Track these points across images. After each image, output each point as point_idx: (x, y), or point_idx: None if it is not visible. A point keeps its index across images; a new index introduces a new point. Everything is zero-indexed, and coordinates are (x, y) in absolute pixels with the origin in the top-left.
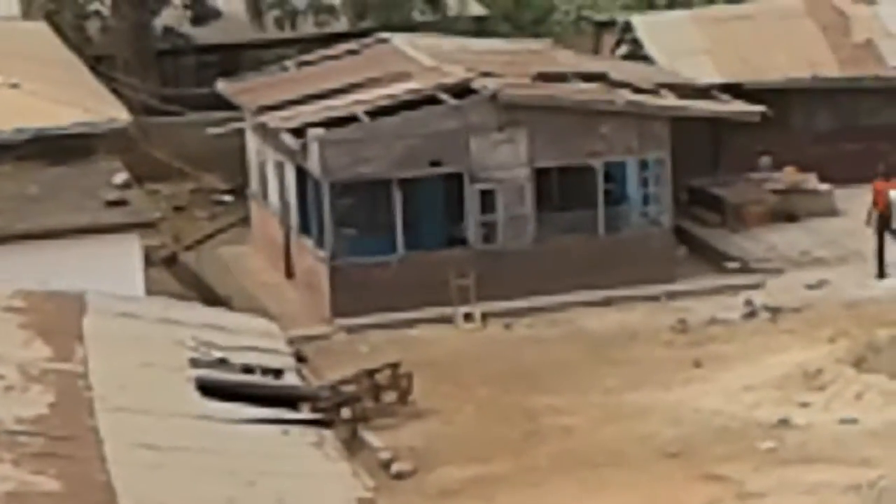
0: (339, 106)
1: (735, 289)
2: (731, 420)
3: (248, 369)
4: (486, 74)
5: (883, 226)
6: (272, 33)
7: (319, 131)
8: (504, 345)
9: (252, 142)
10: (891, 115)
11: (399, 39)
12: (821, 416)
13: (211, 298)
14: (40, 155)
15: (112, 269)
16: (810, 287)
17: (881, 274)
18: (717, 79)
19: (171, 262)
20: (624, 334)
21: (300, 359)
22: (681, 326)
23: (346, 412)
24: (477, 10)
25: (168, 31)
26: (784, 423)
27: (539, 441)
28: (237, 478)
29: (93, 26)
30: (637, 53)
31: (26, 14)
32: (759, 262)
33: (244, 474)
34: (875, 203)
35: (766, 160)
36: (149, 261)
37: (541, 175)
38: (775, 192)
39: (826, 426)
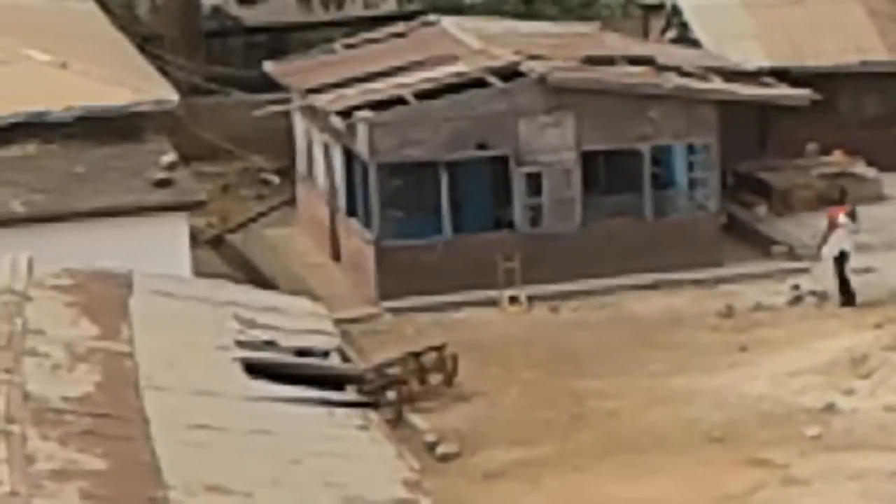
0: (386, 88)
1: (781, 274)
2: (777, 405)
3: (293, 350)
4: (534, 57)
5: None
6: (320, 15)
7: (367, 113)
8: (550, 328)
9: (299, 123)
10: None
11: (447, 22)
12: (866, 402)
13: (257, 279)
14: (88, 134)
15: (159, 250)
16: (856, 272)
17: (848, 300)
18: (766, 63)
19: (217, 242)
20: (670, 318)
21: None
22: (727, 311)
23: (391, 394)
24: None
25: (216, 11)
26: (830, 408)
27: (584, 424)
28: (282, 458)
29: (141, 6)
30: (685, 37)
31: None
32: (805, 247)
33: (289, 455)
34: (831, 228)
35: (813, 145)
36: (195, 241)
37: (588, 158)
38: (823, 177)
39: (872, 412)
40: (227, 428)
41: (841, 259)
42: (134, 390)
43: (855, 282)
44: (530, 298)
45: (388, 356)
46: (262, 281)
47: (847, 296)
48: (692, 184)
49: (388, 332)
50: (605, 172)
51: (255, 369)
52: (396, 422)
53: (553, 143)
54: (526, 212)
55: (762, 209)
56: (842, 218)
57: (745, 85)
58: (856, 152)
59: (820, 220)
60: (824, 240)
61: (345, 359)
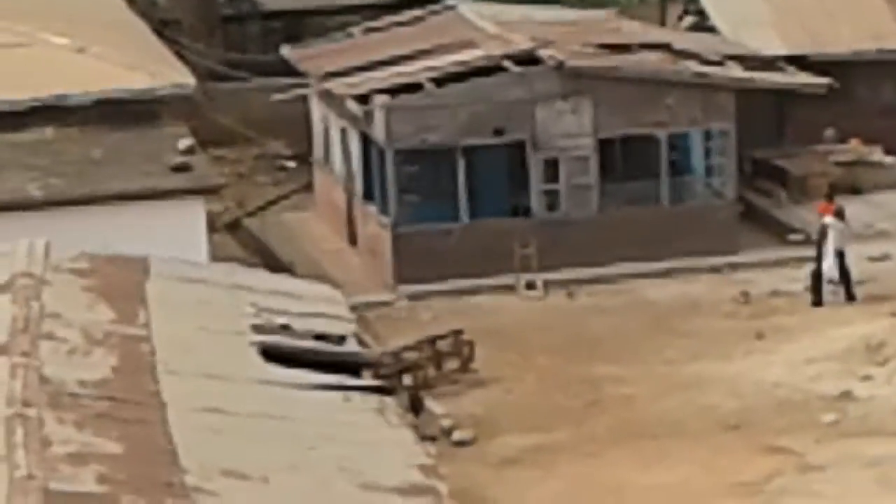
0: (403, 73)
1: (798, 261)
2: (793, 392)
3: (310, 335)
4: (552, 43)
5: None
6: (337, 0)
7: (384, 98)
8: (566, 314)
9: (317, 108)
10: None
11: (464, 7)
12: (883, 390)
13: (274, 264)
14: (105, 119)
15: (176, 234)
16: (873, 260)
17: (850, 296)
18: (782, 50)
19: (234, 227)
20: (686, 305)
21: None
22: (743, 298)
23: (407, 379)
24: None
25: None
26: (846, 395)
27: (600, 411)
28: (299, 443)
29: None
30: (702, 24)
31: None
32: None
33: (306, 440)
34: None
35: (830, 132)
36: (212, 226)
37: (605, 145)
38: (839, 164)
39: (888, 399)
40: (243, 412)
41: (840, 258)
42: (150, 374)
43: (873, 269)
44: (546, 284)
45: (404, 341)
46: (278, 266)
47: (848, 292)
48: (709, 170)
49: (405, 317)
50: (621, 159)
51: (271, 354)
52: (415, 408)
53: (570, 129)
54: (543, 198)
55: (783, 194)
56: (828, 219)
57: (762, 72)
58: (873, 140)
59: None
60: (820, 245)
61: (362, 344)
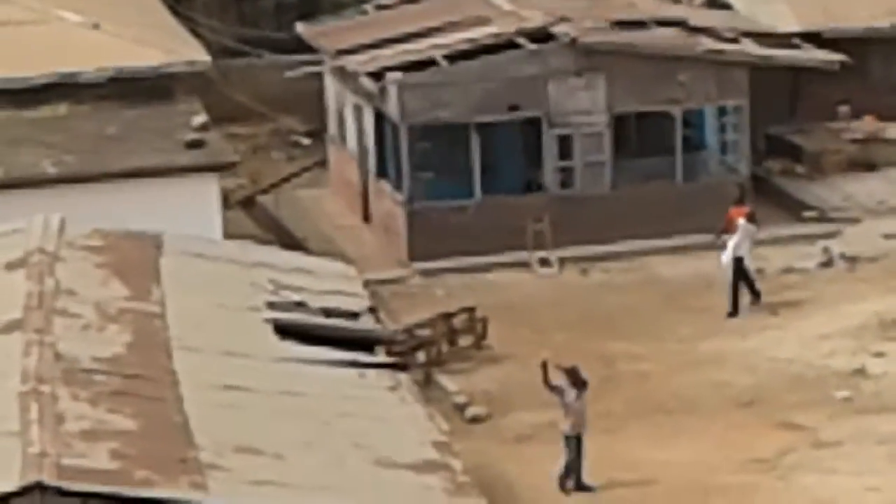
0: (417, 50)
1: (812, 237)
2: (807, 369)
3: (324, 312)
4: (565, 20)
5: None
6: None
7: (398, 75)
8: (580, 290)
9: (331, 85)
10: None
11: None
12: None
13: (288, 241)
14: (119, 95)
15: (190, 211)
16: (887, 236)
17: (734, 311)
18: (797, 27)
19: (248, 204)
20: (700, 282)
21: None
22: (757, 274)
23: (421, 356)
24: None
25: None
26: (860, 372)
27: (614, 387)
28: (313, 419)
29: None
30: (717, 0)
31: None
32: (836, 210)
33: (320, 416)
34: (726, 231)
35: (844, 109)
36: (226, 203)
37: (619, 121)
38: (854, 141)
39: None
40: (257, 389)
41: (738, 263)
42: (164, 351)
43: (887, 246)
44: (560, 261)
45: (417, 318)
46: (292, 242)
47: (754, 293)
48: (723, 147)
49: (419, 293)
50: (635, 135)
51: (285, 330)
52: (426, 383)
53: (584, 105)
54: (556, 174)
55: (845, 108)
56: (741, 221)
57: (775, 48)
58: (887, 116)
59: (850, 184)
60: (720, 236)
61: (376, 320)
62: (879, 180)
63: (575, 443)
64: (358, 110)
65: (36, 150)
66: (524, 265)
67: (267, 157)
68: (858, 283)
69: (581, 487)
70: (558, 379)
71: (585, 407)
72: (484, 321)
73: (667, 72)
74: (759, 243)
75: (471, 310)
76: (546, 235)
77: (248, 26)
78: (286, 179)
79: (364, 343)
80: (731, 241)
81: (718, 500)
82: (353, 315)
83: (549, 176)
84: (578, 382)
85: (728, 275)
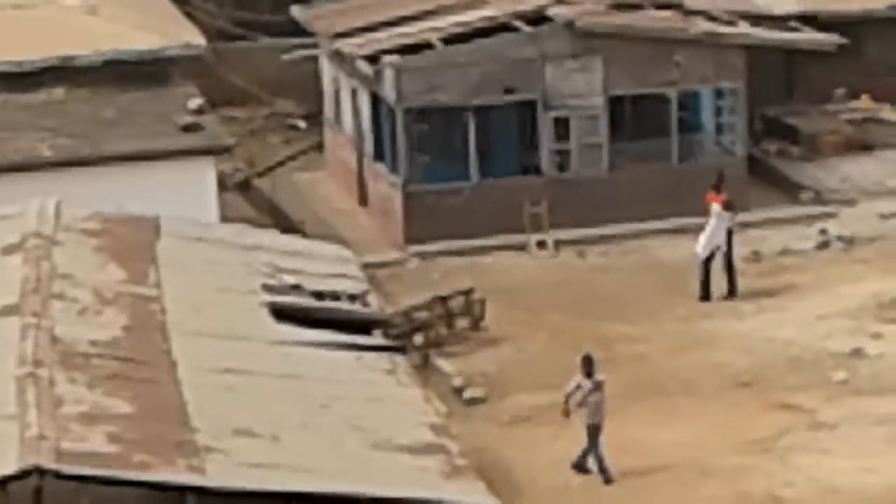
0: (414, 33)
1: (809, 219)
2: (804, 350)
3: (321, 294)
4: (562, 2)
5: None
6: None
7: (394, 58)
8: (577, 272)
9: (327, 68)
10: None
11: None
12: (894, 347)
13: (285, 224)
14: (116, 79)
15: (187, 194)
16: (884, 217)
17: (705, 295)
18: (793, 8)
19: (245, 187)
20: (697, 263)
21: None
22: (754, 256)
23: (418, 338)
24: None
25: None
26: (857, 353)
27: (612, 369)
28: (310, 402)
29: None
30: None
31: None
32: (832, 192)
33: (317, 399)
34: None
35: (840, 90)
36: (223, 186)
37: (615, 103)
38: (850, 122)
39: None
40: (254, 372)
41: (710, 258)
42: (161, 334)
43: (884, 227)
44: (557, 243)
45: (414, 300)
46: (289, 226)
47: (732, 285)
48: (719, 129)
49: (415, 276)
50: (632, 117)
51: (282, 313)
52: (423, 366)
53: (580, 87)
54: (553, 156)
55: (841, 90)
56: (715, 207)
57: (772, 29)
58: (883, 97)
59: (847, 165)
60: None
61: (372, 303)
62: (876, 161)
63: (591, 432)
64: (354, 93)
65: (33, 133)
66: (521, 248)
67: (263, 140)
68: (855, 265)
69: (602, 471)
70: (575, 376)
71: (603, 398)
72: (481, 303)
73: (663, 54)
74: (756, 225)
75: (468, 292)
76: (543, 218)
77: (244, 9)
78: (282, 163)
79: (361, 326)
80: (706, 229)
81: (716, 481)
82: (350, 297)
83: (546, 158)
84: (592, 372)
85: (700, 260)
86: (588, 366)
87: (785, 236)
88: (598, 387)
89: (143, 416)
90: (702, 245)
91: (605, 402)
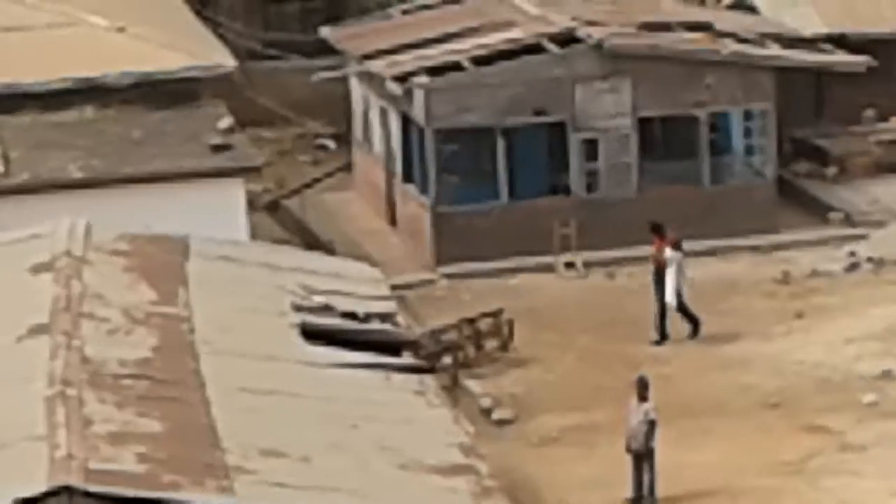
0: (443, 54)
1: (838, 240)
2: (833, 372)
3: (351, 315)
4: (591, 23)
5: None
6: None
7: (424, 79)
8: (606, 293)
9: (356, 88)
10: None
11: None
12: None
13: (314, 244)
14: (145, 99)
15: (216, 214)
16: None
17: (662, 336)
18: (822, 29)
19: (274, 207)
20: (726, 285)
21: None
22: (783, 278)
23: (447, 359)
24: None
25: None
26: (886, 375)
27: None
28: (339, 422)
29: None
30: (742, 3)
31: None
32: (862, 214)
33: (346, 419)
34: (659, 265)
35: (870, 112)
36: (252, 206)
37: (644, 124)
38: (880, 143)
39: None
40: (283, 392)
41: (679, 295)
42: (191, 354)
43: None
44: (586, 264)
45: (443, 321)
46: (318, 246)
47: (694, 324)
48: (748, 150)
49: (444, 297)
50: (661, 138)
51: (311, 333)
52: (452, 387)
53: (609, 108)
54: (582, 177)
55: (871, 111)
56: (668, 252)
57: (801, 51)
58: None
59: (876, 187)
60: (659, 276)
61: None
62: None
63: (631, 458)
64: (384, 114)
65: (62, 153)
66: (550, 269)
67: (293, 160)
68: (885, 287)
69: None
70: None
71: (639, 419)
72: (510, 324)
73: (692, 75)
74: (785, 247)
75: (496, 313)
76: (572, 239)
77: (273, 30)
78: (312, 183)
79: (390, 346)
80: (669, 277)
81: (745, 503)
82: (380, 318)
83: (575, 179)
84: (646, 396)
85: (675, 302)
86: (640, 389)
87: (814, 258)
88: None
89: (173, 436)
90: (670, 293)
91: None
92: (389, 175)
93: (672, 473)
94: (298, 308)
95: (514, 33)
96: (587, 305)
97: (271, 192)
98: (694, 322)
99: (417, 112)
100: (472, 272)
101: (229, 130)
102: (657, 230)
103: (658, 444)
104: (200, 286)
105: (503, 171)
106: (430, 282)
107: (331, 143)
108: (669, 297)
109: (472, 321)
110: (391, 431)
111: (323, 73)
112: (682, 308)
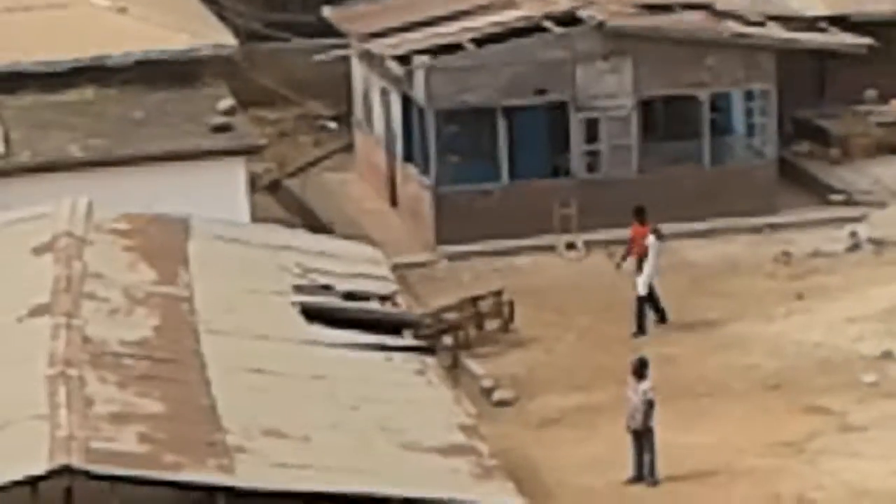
0: (445, 33)
1: (839, 221)
2: (834, 352)
3: (351, 295)
4: (592, 3)
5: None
6: None
7: (425, 59)
8: (606, 274)
9: (357, 69)
10: None
11: None
12: None
13: (315, 225)
14: (146, 79)
15: (217, 195)
16: None
17: (640, 329)
18: (824, 10)
19: (275, 187)
20: (726, 265)
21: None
22: (784, 258)
23: (448, 339)
24: None
25: None
26: (887, 355)
27: None
28: (340, 402)
29: None
30: None
31: None
32: (863, 194)
33: (347, 399)
34: (630, 253)
35: (871, 92)
36: (253, 187)
37: (646, 105)
38: (881, 124)
39: None
40: (284, 372)
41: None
42: (192, 334)
43: None
44: (587, 244)
45: (444, 302)
46: (319, 226)
47: (661, 314)
48: (750, 131)
49: (445, 277)
50: (662, 119)
51: (312, 314)
52: (453, 367)
53: (611, 89)
54: (583, 158)
55: (872, 92)
56: (650, 239)
57: (803, 31)
58: None
59: (877, 167)
60: (625, 260)
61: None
62: None
63: (631, 437)
64: (385, 94)
65: (63, 133)
66: (551, 249)
67: (294, 141)
68: (886, 267)
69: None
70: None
71: (638, 398)
72: (511, 305)
73: (693, 56)
74: (786, 227)
75: (498, 293)
76: (573, 219)
77: (274, 10)
78: (313, 163)
79: (391, 326)
80: (648, 264)
81: (745, 484)
82: (381, 298)
83: (576, 160)
84: (636, 373)
85: (644, 292)
86: (636, 368)
87: (815, 238)
88: (636, 386)
89: (174, 416)
90: (642, 283)
91: (638, 404)
92: (390, 155)
93: (673, 453)
94: (299, 288)
95: (516, 13)
96: (587, 286)
97: (272, 172)
98: (660, 312)
99: (418, 92)
100: (472, 252)
101: (230, 111)
102: (639, 214)
103: (657, 424)
104: (201, 266)
105: (504, 152)
106: (431, 262)
107: (332, 124)
108: (641, 288)
109: (473, 301)
110: (392, 411)
111: (324, 54)
112: (651, 297)
